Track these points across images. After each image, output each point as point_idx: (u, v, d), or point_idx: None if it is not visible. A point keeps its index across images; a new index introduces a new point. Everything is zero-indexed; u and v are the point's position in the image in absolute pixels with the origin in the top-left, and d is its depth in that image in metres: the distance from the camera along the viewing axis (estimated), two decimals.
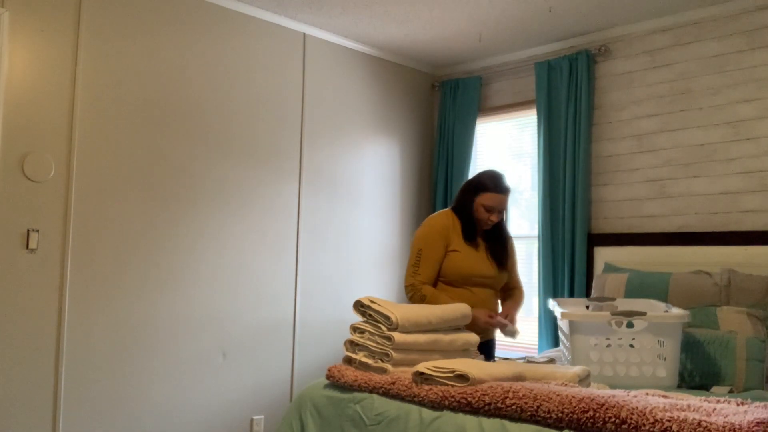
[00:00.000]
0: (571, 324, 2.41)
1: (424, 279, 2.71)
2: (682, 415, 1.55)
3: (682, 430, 1.49)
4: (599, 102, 3.90)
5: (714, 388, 2.43)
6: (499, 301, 2.92)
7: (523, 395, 1.74)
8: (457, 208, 2.82)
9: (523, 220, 4.33)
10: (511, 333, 2.73)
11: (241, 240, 3.55)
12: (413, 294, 2.71)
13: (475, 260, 2.75)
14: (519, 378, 1.99)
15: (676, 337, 2.35)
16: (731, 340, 2.58)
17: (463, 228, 2.76)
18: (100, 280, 3.01)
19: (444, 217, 2.81)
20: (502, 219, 2.83)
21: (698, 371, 2.54)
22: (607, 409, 1.60)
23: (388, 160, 4.41)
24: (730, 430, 1.46)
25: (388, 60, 4.43)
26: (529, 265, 4.21)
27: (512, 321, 2.77)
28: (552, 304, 2.82)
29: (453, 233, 2.75)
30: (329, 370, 2.18)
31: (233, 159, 3.54)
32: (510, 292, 2.93)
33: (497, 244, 2.82)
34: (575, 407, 1.64)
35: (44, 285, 2.85)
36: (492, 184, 2.72)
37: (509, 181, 2.80)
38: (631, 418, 1.56)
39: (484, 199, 2.71)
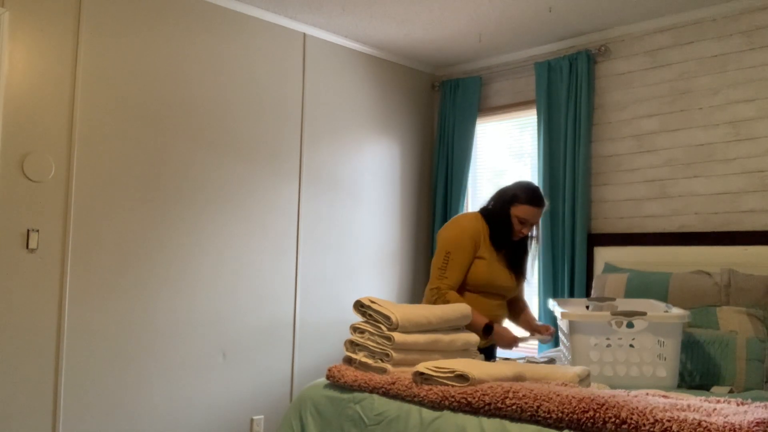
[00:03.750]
0: (571, 324, 2.41)
1: (450, 283, 2.63)
2: (682, 415, 1.54)
3: (682, 430, 1.49)
4: (599, 102, 3.90)
5: (714, 388, 2.43)
6: (511, 314, 2.94)
7: (523, 395, 1.74)
8: (488, 214, 2.76)
9: None
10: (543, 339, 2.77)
11: (241, 240, 3.55)
12: (437, 298, 2.62)
13: (497, 270, 2.72)
14: (519, 378, 1.99)
15: (676, 337, 2.34)
16: (731, 340, 2.58)
17: (492, 235, 2.71)
18: (100, 280, 3.01)
19: (474, 220, 2.75)
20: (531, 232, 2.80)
21: (698, 371, 2.54)
22: (607, 409, 1.60)
23: (388, 160, 4.41)
24: (730, 430, 1.46)
25: (388, 60, 4.43)
26: (529, 265, 4.20)
27: (547, 330, 2.80)
28: (552, 304, 2.82)
29: (482, 240, 2.70)
30: (329, 370, 2.18)
31: (233, 159, 3.54)
32: (517, 303, 2.94)
33: (519, 256, 2.79)
34: (575, 407, 1.64)
35: (44, 285, 2.85)
36: (527, 196, 2.68)
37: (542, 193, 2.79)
38: (631, 418, 1.56)
39: (519, 210, 2.68)
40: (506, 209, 2.70)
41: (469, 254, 2.66)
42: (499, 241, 2.71)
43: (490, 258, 2.70)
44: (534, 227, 2.77)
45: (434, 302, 2.62)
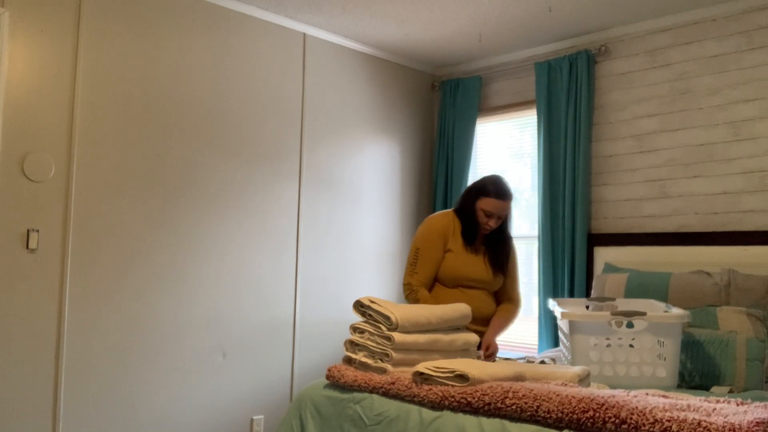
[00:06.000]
0: (571, 324, 2.41)
1: (422, 279, 2.74)
2: (682, 415, 1.55)
3: (682, 430, 1.49)
4: (599, 102, 3.90)
5: (714, 388, 2.43)
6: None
7: (523, 395, 1.74)
8: (458, 210, 2.83)
9: (523, 220, 4.33)
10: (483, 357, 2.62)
11: (241, 240, 3.55)
12: (408, 294, 2.76)
13: (468, 263, 2.75)
14: (519, 378, 1.99)
15: (676, 337, 2.35)
16: (731, 340, 2.58)
17: (463, 230, 2.77)
18: (100, 280, 3.01)
19: (444, 217, 2.83)
20: (504, 225, 2.82)
21: (698, 371, 2.54)
22: (607, 409, 1.60)
23: (388, 160, 4.41)
24: (730, 430, 1.46)
25: (388, 60, 4.43)
26: (529, 265, 4.21)
27: (491, 347, 2.69)
28: (552, 304, 2.82)
29: (452, 234, 2.77)
30: (329, 370, 2.19)
31: (233, 159, 3.54)
32: (503, 306, 2.88)
33: (496, 249, 2.81)
34: (575, 407, 1.64)
35: (44, 285, 2.85)
36: (493, 189, 2.73)
37: (512, 186, 2.80)
38: (631, 418, 1.56)
39: (484, 203, 2.72)
40: (473, 203, 2.75)
41: (437, 249, 2.74)
42: (468, 235, 2.76)
43: (459, 251, 2.75)
44: (504, 221, 2.80)
45: (406, 297, 2.75)
